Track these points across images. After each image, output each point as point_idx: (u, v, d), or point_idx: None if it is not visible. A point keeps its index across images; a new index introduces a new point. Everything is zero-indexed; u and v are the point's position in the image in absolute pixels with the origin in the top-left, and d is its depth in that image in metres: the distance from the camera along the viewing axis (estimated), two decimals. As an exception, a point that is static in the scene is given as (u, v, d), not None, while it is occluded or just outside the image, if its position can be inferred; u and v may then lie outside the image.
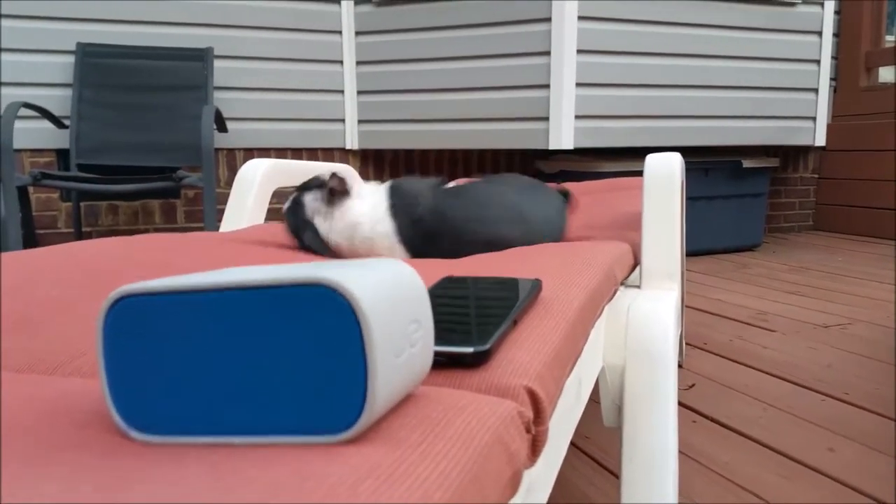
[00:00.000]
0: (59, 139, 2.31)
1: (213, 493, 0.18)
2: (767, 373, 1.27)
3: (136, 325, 0.23)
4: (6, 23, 2.26)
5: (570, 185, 1.24)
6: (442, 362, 0.34)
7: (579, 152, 2.51)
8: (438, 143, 2.58)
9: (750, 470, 0.88)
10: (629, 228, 0.91)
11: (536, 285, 0.43)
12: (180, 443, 0.24)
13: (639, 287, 0.77)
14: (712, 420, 1.05)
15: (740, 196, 2.69)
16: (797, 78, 2.78)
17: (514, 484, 0.28)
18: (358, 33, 2.63)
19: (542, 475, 0.39)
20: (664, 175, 0.78)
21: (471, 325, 0.37)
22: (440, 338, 0.34)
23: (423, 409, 0.26)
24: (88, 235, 2.45)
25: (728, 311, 1.74)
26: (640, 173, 0.92)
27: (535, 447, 0.33)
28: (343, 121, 2.70)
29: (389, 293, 0.24)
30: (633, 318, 0.60)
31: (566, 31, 2.32)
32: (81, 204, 2.41)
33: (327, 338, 0.22)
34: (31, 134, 2.29)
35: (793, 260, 2.52)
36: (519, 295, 0.42)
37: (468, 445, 0.24)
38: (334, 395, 0.22)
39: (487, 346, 0.34)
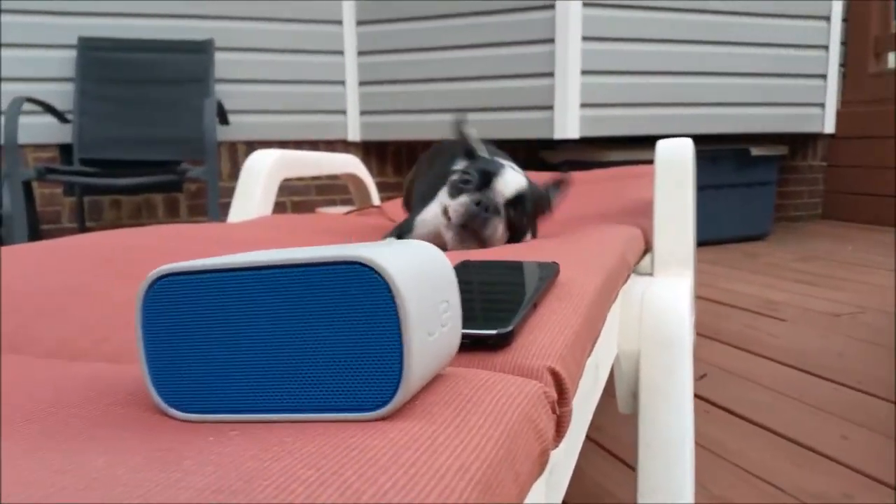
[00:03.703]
0: (62, 134, 2.31)
1: (260, 461, 0.19)
2: (779, 361, 1.27)
3: (175, 304, 0.24)
4: (7, 18, 2.26)
5: (576, 175, 1.24)
6: (465, 344, 0.34)
7: (585, 142, 2.51)
8: (442, 133, 2.57)
9: (763, 458, 0.88)
10: (638, 215, 0.91)
11: (554, 268, 0.44)
12: (220, 420, 0.24)
13: (651, 275, 0.77)
14: (724, 409, 1.05)
15: (748, 185, 2.68)
16: (805, 64, 2.76)
17: (542, 462, 0.28)
18: (359, 23, 2.62)
19: (563, 458, 0.39)
20: (676, 161, 0.78)
21: (492, 307, 0.38)
22: (462, 320, 0.35)
23: (454, 388, 0.27)
24: (92, 230, 2.45)
25: (738, 300, 1.74)
26: (646, 163, 0.92)
27: (560, 427, 0.33)
28: (345, 112, 2.69)
29: (422, 273, 0.24)
30: (647, 305, 0.60)
31: (571, 17, 2.31)
32: (85, 199, 2.41)
33: (364, 315, 0.22)
34: (34, 129, 2.29)
35: (802, 249, 2.51)
36: (537, 277, 0.42)
37: (499, 421, 0.25)
38: (371, 372, 0.23)
39: (510, 328, 0.34)
